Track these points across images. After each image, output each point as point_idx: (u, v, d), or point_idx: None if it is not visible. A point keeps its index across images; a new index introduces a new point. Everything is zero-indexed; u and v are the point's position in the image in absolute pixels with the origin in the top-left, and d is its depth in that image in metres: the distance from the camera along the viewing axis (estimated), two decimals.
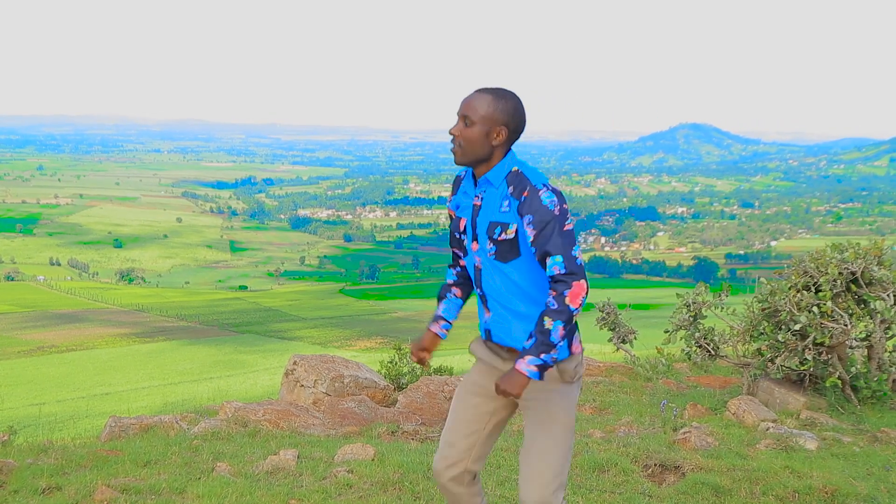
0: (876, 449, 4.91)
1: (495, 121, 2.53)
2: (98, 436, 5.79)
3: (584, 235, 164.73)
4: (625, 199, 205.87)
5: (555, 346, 2.40)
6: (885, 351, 6.04)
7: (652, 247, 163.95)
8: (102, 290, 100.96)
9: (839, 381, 5.83)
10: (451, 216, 2.80)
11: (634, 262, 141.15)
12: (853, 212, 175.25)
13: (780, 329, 5.85)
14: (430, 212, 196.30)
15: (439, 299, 2.90)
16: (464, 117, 2.54)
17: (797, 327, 5.68)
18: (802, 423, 5.46)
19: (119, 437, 5.47)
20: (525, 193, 2.48)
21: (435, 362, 9.88)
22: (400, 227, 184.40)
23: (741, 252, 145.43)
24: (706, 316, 6.63)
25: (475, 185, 2.63)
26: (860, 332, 5.89)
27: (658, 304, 69.18)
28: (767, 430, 5.18)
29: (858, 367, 5.95)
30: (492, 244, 2.56)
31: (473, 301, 2.89)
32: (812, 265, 5.91)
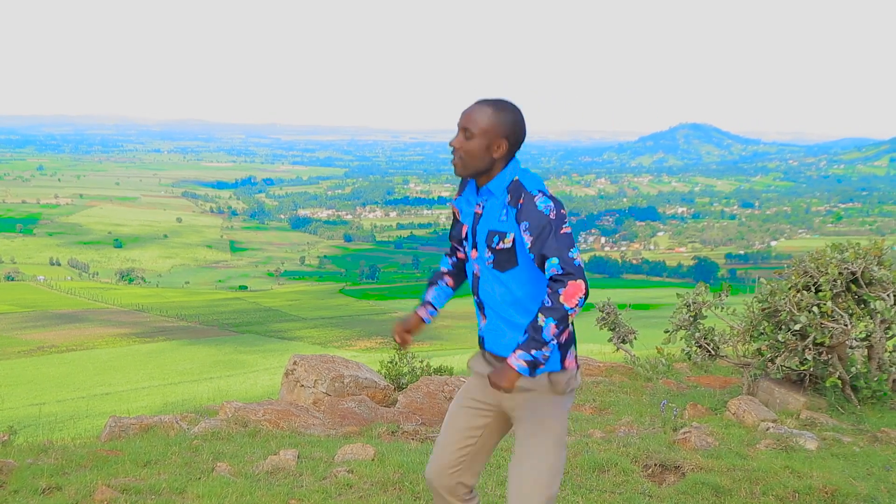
0: (876, 449, 4.91)
1: (496, 133, 2.53)
2: (98, 436, 5.79)
3: (584, 235, 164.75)
4: (625, 199, 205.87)
5: (546, 343, 2.39)
6: (885, 351, 6.04)
7: (652, 247, 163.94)
8: (102, 290, 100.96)
9: (839, 381, 5.83)
10: (454, 213, 2.81)
11: (634, 262, 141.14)
12: (853, 212, 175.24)
13: (781, 329, 5.85)
14: (430, 212, 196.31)
15: (430, 284, 2.90)
16: (464, 129, 2.55)
17: (797, 327, 5.68)
18: (802, 423, 5.46)
19: (119, 437, 5.47)
20: (521, 201, 2.49)
21: (435, 362, 9.89)
22: (400, 227, 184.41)
23: (741, 252, 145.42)
24: (706, 316, 6.63)
25: (477, 193, 2.65)
26: (860, 332, 5.89)
27: (658, 304, 69.19)
28: (767, 430, 5.18)
29: (858, 367, 5.95)
30: (490, 253, 2.57)
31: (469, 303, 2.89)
32: (812, 265, 5.91)
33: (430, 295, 2.88)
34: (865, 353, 6.12)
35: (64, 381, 41.08)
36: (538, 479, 2.54)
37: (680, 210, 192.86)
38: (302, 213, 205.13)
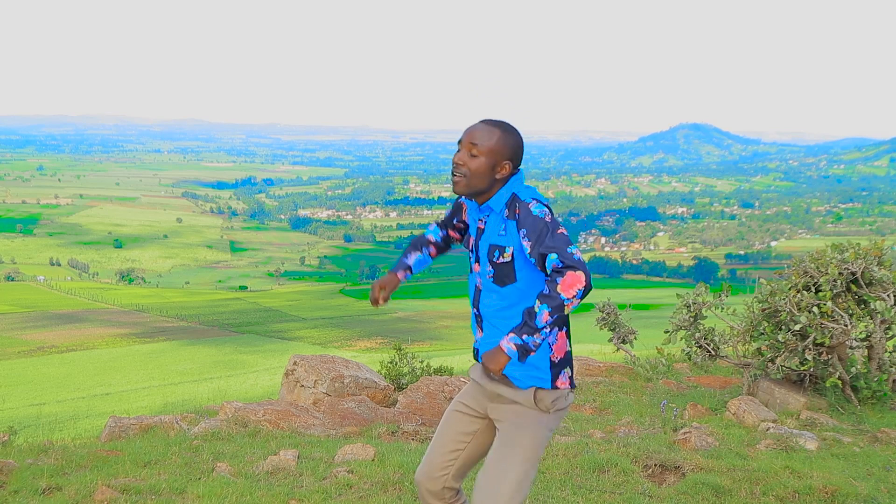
0: (876, 449, 4.91)
1: (503, 155, 2.58)
2: (98, 436, 5.79)
3: (584, 236, 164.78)
4: (625, 200, 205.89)
5: (538, 329, 2.39)
6: (886, 351, 6.04)
7: (652, 247, 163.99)
8: (102, 291, 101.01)
9: (839, 382, 5.82)
10: (461, 206, 2.86)
11: (634, 262, 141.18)
12: (853, 212, 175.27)
13: (781, 329, 5.85)
14: (430, 212, 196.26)
15: (413, 247, 2.92)
16: (471, 147, 2.57)
17: (797, 327, 5.68)
18: (802, 424, 5.46)
19: (119, 437, 5.47)
20: (517, 211, 2.53)
21: (435, 362, 9.89)
22: (400, 227, 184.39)
23: (741, 252, 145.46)
24: (706, 316, 6.63)
25: (478, 209, 2.69)
26: (860, 333, 5.89)
27: (658, 304, 69.26)
28: (768, 430, 5.18)
29: (858, 367, 5.95)
30: (490, 267, 2.61)
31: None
32: (812, 265, 5.91)
33: (412, 259, 2.90)
34: (865, 353, 6.12)
35: (64, 382, 41.10)
36: (500, 490, 2.56)
37: (680, 210, 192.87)
38: (302, 213, 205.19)
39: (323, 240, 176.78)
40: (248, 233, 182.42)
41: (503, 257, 2.56)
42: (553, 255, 2.41)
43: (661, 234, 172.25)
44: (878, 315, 5.73)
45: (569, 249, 2.41)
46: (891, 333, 5.97)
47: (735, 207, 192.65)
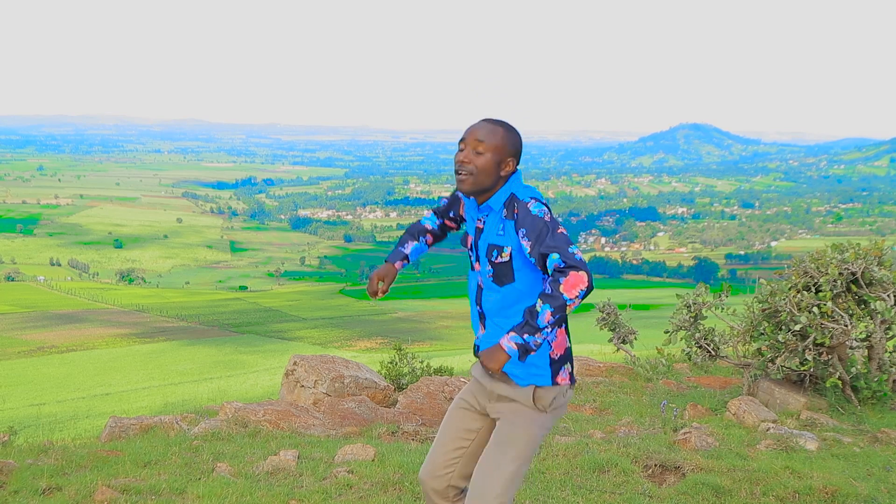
0: (876, 449, 4.91)
1: (507, 152, 2.59)
2: (98, 436, 5.79)
3: (584, 236, 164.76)
4: (625, 200, 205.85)
5: (539, 329, 2.39)
6: (886, 351, 6.03)
7: (652, 247, 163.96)
8: (102, 291, 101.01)
9: (839, 382, 5.82)
10: (458, 200, 2.87)
11: (635, 262, 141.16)
12: (853, 212, 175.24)
13: (781, 329, 5.85)
14: (430, 212, 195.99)
15: (411, 237, 2.92)
16: (476, 144, 2.57)
17: (797, 328, 5.68)
18: (803, 424, 5.46)
19: (119, 437, 5.47)
20: (516, 211, 2.53)
21: (435, 363, 9.89)
22: (400, 227, 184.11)
23: (741, 252, 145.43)
24: (706, 316, 6.63)
25: (478, 209, 2.69)
26: (860, 333, 5.89)
27: (658, 304, 69.24)
28: (768, 430, 5.18)
29: (859, 367, 5.95)
30: (490, 266, 2.61)
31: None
32: (812, 265, 5.91)
33: (409, 248, 2.91)
34: (866, 353, 6.12)
35: (64, 382, 41.11)
36: (491, 486, 2.58)
37: (680, 210, 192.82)
38: (302, 213, 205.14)
39: (323, 240, 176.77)
40: (248, 233, 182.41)
41: (501, 257, 2.56)
42: (555, 255, 2.41)
43: (661, 234, 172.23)
44: (879, 315, 5.73)
45: (570, 249, 2.41)
46: (891, 334, 5.97)
47: (735, 207, 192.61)
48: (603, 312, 9.55)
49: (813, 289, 5.86)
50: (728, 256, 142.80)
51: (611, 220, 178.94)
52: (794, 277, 5.99)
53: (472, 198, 2.72)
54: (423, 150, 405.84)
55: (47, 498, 3.93)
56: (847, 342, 5.81)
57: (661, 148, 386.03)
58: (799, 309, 5.76)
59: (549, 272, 2.45)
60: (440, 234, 2.97)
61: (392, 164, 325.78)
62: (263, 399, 8.40)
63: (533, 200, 2.52)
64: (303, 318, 77.77)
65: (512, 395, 2.61)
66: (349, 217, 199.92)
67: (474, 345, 2.78)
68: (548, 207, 2.52)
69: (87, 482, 4.07)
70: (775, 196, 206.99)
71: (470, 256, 2.74)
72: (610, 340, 9.74)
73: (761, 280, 6.24)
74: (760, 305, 6.05)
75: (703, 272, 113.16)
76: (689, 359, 6.78)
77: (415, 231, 2.94)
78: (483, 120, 2.62)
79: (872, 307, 5.73)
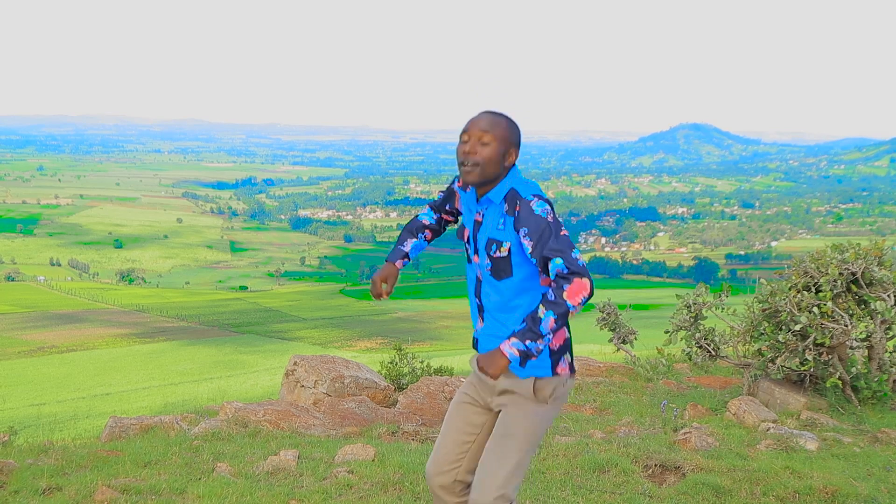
0: (876, 449, 4.91)
1: (511, 142, 2.60)
2: (98, 436, 5.79)
3: (584, 236, 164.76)
4: (625, 200, 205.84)
5: (542, 336, 2.41)
6: (886, 351, 6.03)
7: (652, 247, 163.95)
8: (102, 291, 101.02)
9: (840, 382, 5.82)
10: (454, 194, 2.87)
11: (635, 262, 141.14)
12: (853, 212, 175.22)
13: (781, 329, 5.84)
14: (427, 208, 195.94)
15: (410, 234, 2.92)
16: (481, 135, 2.57)
17: (798, 328, 5.68)
18: (803, 424, 5.46)
19: (119, 437, 5.47)
20: (517, 208, 2.52)
21: (435, 363, 9.89)
22: (400, 227, 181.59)
23: (741, 252, 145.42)
24: (707, 316, 6.63)
25: (477, 202, 2.68)
26: (860, 333, 5.89)
27: (658, 304, 69.22)
28: (768, 430, 5.18)
29: (859, 367, 5.95)
30: (488, 260, 2.61)
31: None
32: (812, 266, 5.91)
33: (408, 246, 2.90)
34: (866, 353, 6.12)
35: (64, 382, 41.12)
36: (495, 478, 2.59)
37: (680, 210, 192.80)
38: (302, 213, 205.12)
39: (323, 240, 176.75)
40: (248, 233, 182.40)
41: (500, 251, 2.56)
42: (558, 261, 2.41)
43: (661, 234, 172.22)
44: (879, 315, 5.73)
45: (573, 254, 2.42)
46: (891, 334, 5.97)
47: (735, 207, 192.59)
48: (603, 312, 9.54)
49: (813, 289, 5.86)
50: (728, 256, 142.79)
51: (611, 220, 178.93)
52: (794, 277, 5.99)
53: (468, 191, 2.72)
54: (423, 150, 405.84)
55: (47, 498, 3.93)
56: (847, 342, 5.81)
57: (661, 148, 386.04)
58: (799, 309, 5.76)
59: (551, 276, 2.45)
60: (438, 229, 2.97)
61: (392, 164, 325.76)
62: (263, 399, 8.40)
63: (536, 199, 2.50)
64: (303, 319, 77.78)
65: (512, 387, 2.61)
66: (349, 217, 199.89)
67: (473, 338, 2.78)
68: (551, 206, 2.51)
69: (88, 482, 4.07)
70: (775, 196, 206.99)
71: (467, 249, 2.74)
72: (610, 340, 9.73)
73: (761, 280, 6.24)
74: (760, 305, 6.05)
75: (703, 272, 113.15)
76: (690, 359, 6.77)
77: (413, 228, 2.93)
78: (484, 112, 2.62)
79: (872, 307, 5.73)
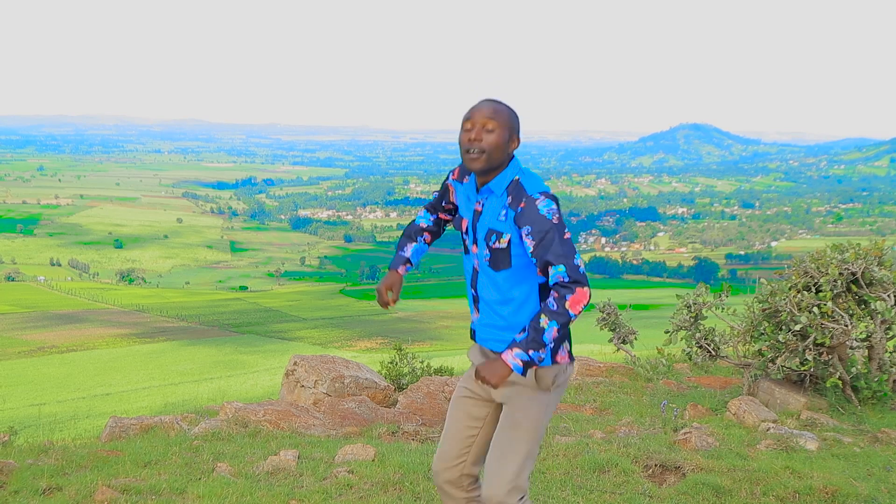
0: (876, 449, 4.91)
1: (513, 128, 2.60)
2: (98, 436, 5.79)
3: (584, 236, 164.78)
4: (625, 200, 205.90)
5: (545, 345, 2.43)
6: (886, 351, 6.03)
7: (652, 247, 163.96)
8: (103, 291, 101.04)
9: (840, 382, 5.82)
10: (448, 189, 2.86)
11: (635, 262, 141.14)
12: (854, 212, 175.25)
13: (781, 329, 5.84)
14: (423, 210, 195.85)
15: (408, 238, 2.92)
16: (486, 122, 2.56)
17: (798, 328, 5.68)
18: (803, 424, 5.46)
19: (119, 437, 5.47)
20: (522, 204, 2.50)
21: (435, 363, 9.89)
22: (400, 227, 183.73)
23: (741, 252, 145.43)
24: (707, 316, 6.63)
25: (477, 191, 2.67)
26: (861, 333, 5.89)
27: (658, 304, 69.25)
28: (768, 430, 5.18)
29: (859, 367, 5.95)
30: (487, 250, 2.61)
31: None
32: (812, 266, 5.91)
33: (409, 251, 2.90)
34: (866, 353, 6.12)
35: (64, 382, 41.13)
36: (506, 470, 2.60)
37: (680, 210, 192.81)
38: (302, 213, 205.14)
39: (323, 240, 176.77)
40: (248, 233, 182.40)
41: (500, 242, 2.56)
42: (561, 268, 2.42)
43: (661, 234, 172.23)
44: (879, 315, 5.73)
45: (575, 261, 2.43)
46: (891, 334, 5.97)
47: (735, 208, 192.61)
48: (603, 312, 9.54)
49: (813, 289, 5.86)
50: (728, 256, 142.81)
51: (611, 220, 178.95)
52: (794, 277, 5.99)
53: (466, 182, 2.72)
54: (423, 150, 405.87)
55: (47, 498, 3.93)
56: (847, 342, 5.81)
57: (661, 148, 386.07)
58: (799, 309, 5.76)
59: (551, 282, 2.45)
60: (437, 231, 2.96)
61: (392, 164, 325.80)
62: (264, 399, 8.40)
63: (542, 197, 2.49)
64: (303, 319, 77.81)
65: (514, 378, 2.61)
66: (349, 217, 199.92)
67: (471, 328, 2.78)
68: (557, 204, 2.50)
69: (88, 482, 4.07)
70: (775, 196, 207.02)
71: (465, 240, 2.73)
72: (610, 340, 9.73)
73: (761, 280, 6.24)
74: (761, 305, 6.05)
75: (703, 272, 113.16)
76: (690, 359, 6.77)
77: (411, 232, 2.93)
78: (484, 100, 2.62)
79: (873, 307, 5.73)
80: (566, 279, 2.42)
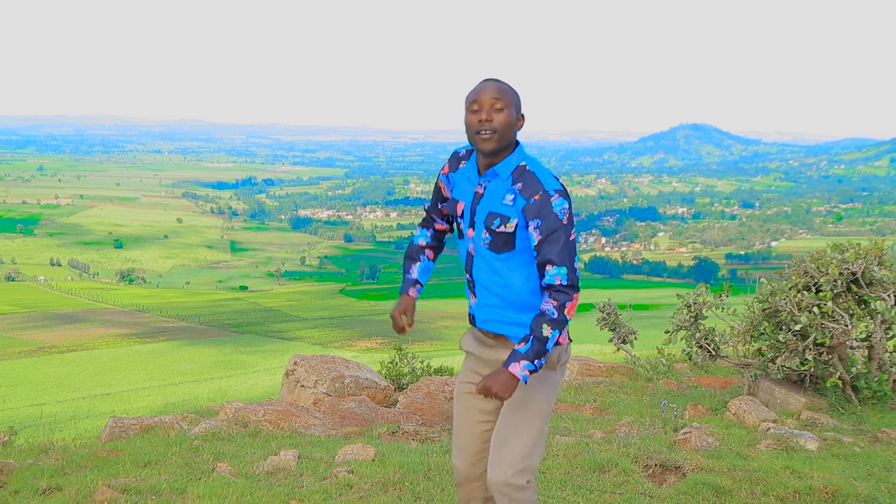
0: (876, 449, 4.91)
1: (519, 107, 2.60)
2: (99, 436, 5.79)
3: (584, 236, 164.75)
4: (625, 200, 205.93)
5: (548, 352, 2.48)
6: (886, 351, 6.03)
7: (652, 247, 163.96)
8: (103, 291, 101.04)
9: (840, 382, 5.82)
10: (440, 187, 2.84)
11: (635, 262, 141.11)
12: (854, 212, 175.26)
13: (781, 329, 5.84)
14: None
15: (411, 260, 2.89)
16: (493, 101, 2.54)
17: (798, 328, 5.67)
18: (803, 424, 5.46)
19: (119, 437, 5.47)
20: (536, 197, 2.51)
21: (435, 362, 9.89)
22: (400, 227, 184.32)
23: (742, 252, 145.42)
24: (707, 316, 6.63)
25: (479, 173, 2.65)
26: (861, 333, 5.89)
27: (658, 304, 69.27)
28: (768, 430, 5.18)
29: (859, 367, 5.95)
30: (488, 234, 2.59)
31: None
32: (813, 265, 5.91)
33: (415, 272, 2.87)
34: (866, 353, 6.12)
35: (64, 382, 41.14)
36: (518, 449, 2.59)
37: (680, 210, 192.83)
38: (302, 213, 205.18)
39: (323, 240, 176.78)
40: (248, 233, 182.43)
41: (505, 227, 2.55)
42: (563, 270, 2.46)
43: (661, 234, 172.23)
44: (879, 315, 5.73)
45: (574, 265, 2.48)
46: (891, 333, 5.97)
47: (735, 207, 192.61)
48: (603, 312, 9.54)
49: (813, 289, 5.86)
50: (728, 256, 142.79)
51: (611, 220, 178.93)
52: (794, 277, 5.99)
53: (463, 166, 2.70)
54: (423, 150, 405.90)
55: (47, 498, 3.93)
56: (847, 342, 5.81)
57: (661, 148, 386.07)
58: (799, 309, 5.76)
59: (548, 280, 2.48)
60: (437, 245, 2.93)
61: (392, 164, 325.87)
62: (264, 399, 8.40)
63: (557, 195, 2.51)
64: (303, 318, 77.80)
65: None
66: (349, 217, 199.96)
67: (469, 314, 2.76)
68: (569, 204, 2.53)
69: (88, 482, 4.07)
70: (775, 196, 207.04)
71: (459, 224, 2.72)
72: (610, 340, 9.73)
73: (762, 280, 6.24)
74: (761, 305, 6.05)
75: (703, 272, 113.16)
76: (690, 359, 6.77)
77: (412, 253, 2.90)
78: (486, 80, 2.60)
79: (873, 307, 5.73)
80: (564, 282, 2.45)
